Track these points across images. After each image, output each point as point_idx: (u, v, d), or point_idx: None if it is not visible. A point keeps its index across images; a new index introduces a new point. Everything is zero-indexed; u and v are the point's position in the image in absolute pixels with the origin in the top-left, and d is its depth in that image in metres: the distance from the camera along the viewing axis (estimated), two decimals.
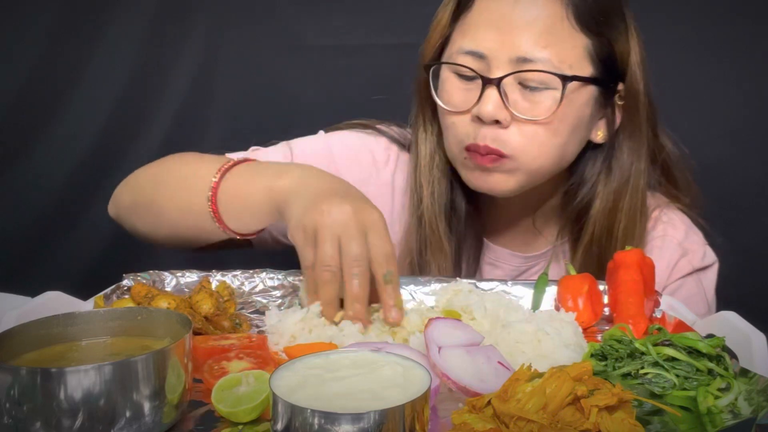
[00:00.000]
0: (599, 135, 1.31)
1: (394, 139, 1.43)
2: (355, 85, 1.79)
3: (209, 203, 1.17)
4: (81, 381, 0.71)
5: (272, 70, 1.82)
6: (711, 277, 1.39)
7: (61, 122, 1.76)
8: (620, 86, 1.29)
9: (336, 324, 1.01)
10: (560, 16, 1.21)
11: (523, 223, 1.39)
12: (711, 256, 1.39)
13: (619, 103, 1.30)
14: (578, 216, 1.33)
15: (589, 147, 1.32)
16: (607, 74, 1.26)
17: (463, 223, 1.36)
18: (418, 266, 1.34)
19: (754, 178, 1.75)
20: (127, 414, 0.73)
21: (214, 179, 1.18)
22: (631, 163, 1.31)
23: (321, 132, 1.44)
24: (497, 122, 1.21)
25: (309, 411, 0.66)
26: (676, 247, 1.36)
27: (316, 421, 0.66)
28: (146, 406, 0.74)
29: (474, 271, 1.38)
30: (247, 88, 1.83)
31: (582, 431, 0.72)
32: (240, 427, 0.80)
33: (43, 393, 0.71)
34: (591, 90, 1.25)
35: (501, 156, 1.23)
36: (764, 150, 1.74)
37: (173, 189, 1.25)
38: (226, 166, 1.19)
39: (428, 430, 0.71)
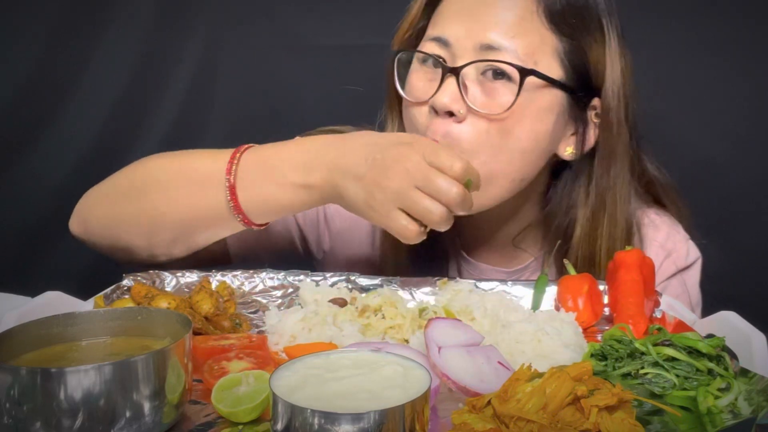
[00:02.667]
0: (567, 151, 1.25)
1: None
2: (354, 85, 1.79)
3: (231, 205, 1.13)
4: (81, 381, 0.71)
5: (272, 70, 1.82)
6: (694, 274, 1.36)
7: (61, 122, 1.76)
8: (596, 102, 1.24)
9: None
10: (531, 10, 1.18)
11: (502, 242, 1.36)
12: (694, 253, 1.36)
13: (595, 120, 1.25)
14: (563, 239, 1.28)
15: (565, 167, 1.28)
16: (579, 83, 1.21)
17: (441, 237, 1.28)
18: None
19: (754, 178, 1.75)
20: (127, 414, 0.73)
21: (228, 181, 1.13)
22: (607, 187, 1.25)
23: (297, 138, 1.42)
24: (452, 115, 1.17)
25: (309, 411, 0.66)
26: (659, 249, 1.32)
27: (316, 421, 0.66)
28: (146, 406, 0.74)
29: None
30: (247, 88, 1.83)
31: (582, 431, 0.72)
32: (240, 427, 0.80)
33: (43, 393, 0.71)
34: (557, 95, 1.20)
35: None
36: (764, 150, 1.73)
37: (173, 191, 1.18)
38: (234, 162, 1.14)
39: (428, 430, 0.71)
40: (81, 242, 1.28)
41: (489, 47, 1.16)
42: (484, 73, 1.17)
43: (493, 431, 0.74)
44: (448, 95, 1.16)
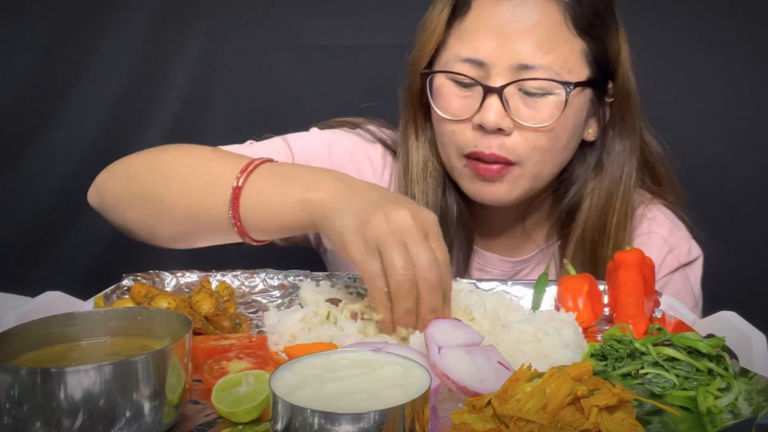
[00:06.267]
0: (590, 133, 1.31)
1: (387, 146, 1.42)
2: (354, 85, 1.79)
3: (230, 209, 1.10)
4: (81, 381, 0.71)
5: (271, 70, 1.81)
6: (697, 270, 1.39)
7: (62, 122, 1.76)
8: (609, 84, 1.30)
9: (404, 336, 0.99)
10: (559, 22, 1.21)
11: (514, 227, 1.39)
12: (696, 250, 1.40)
13: (608, 100, 1.31)
14: (568, 213, 1.34)
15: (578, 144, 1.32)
16: (601, 74, 1.27)
17: (453, 230, 1.34)
18: None
19: (754, 178, 1.75)
20: (127, 414, 0.73)
21: (235, 183, 1.10)
22: (624, 161, 1.31)
23: (314, 129, 1.42)
24: (500, 130, 1.21)
25: (309, 411, 0.66)
26: (662, 243, 1.36)
27: (316, 421, 0.66)
28: (146, 406, 0.74)
29: (462, 277, 1.36)
30: (247, 87, 1.83)
31: (582, 431, 0.72)
32: (240, 427, 0.80)
33: (43, 393, 0.71)
34: (586, 92, 1.26)
35: (509, 164, 1.22)
36: (764, 150, 1.74)
37: (183, 185, 1.17)
38: (249, 168, 1.11)
39: (428, 430, 0.71)
40: (97, 214, 1.29)
41: (525, 66, 1.20)
42: (522, 89, 1.21)
43: (493, 431, 0.74)
44: (494, 113, 1.20)
